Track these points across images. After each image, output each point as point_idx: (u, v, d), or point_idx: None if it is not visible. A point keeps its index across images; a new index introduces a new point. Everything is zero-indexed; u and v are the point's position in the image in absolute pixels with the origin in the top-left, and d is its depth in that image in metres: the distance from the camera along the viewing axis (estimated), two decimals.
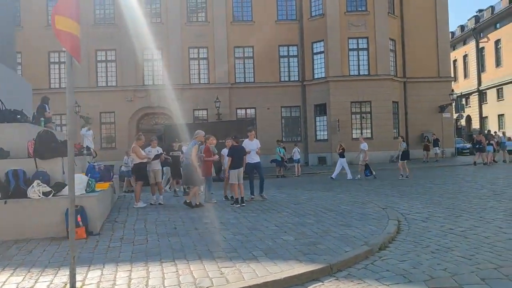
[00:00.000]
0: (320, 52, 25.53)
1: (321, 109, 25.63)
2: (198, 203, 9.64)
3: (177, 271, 4.88)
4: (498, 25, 41.00)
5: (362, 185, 14.29)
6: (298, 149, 20.27)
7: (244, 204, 9.70)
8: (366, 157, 16.30)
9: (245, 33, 26.00)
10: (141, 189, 10.05)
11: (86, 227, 6.67)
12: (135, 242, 6.33)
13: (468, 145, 31.24)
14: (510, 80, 38.63)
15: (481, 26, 43.74)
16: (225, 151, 10.67)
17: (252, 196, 10.67)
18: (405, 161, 16.06)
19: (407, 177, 15.60)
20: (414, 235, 6.63)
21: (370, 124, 24.91)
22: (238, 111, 26.28)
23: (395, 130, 25.71)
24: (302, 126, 26.39)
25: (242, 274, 4.70)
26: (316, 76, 25.77)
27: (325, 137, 25.14)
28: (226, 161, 10.36)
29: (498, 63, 41.58)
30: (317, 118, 25.87)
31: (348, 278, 4.78)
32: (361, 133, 24.62)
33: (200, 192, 10.10)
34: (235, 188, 9.96)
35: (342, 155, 16.58)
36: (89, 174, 8.37)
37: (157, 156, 10.35)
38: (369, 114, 24.95)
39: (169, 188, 13.16)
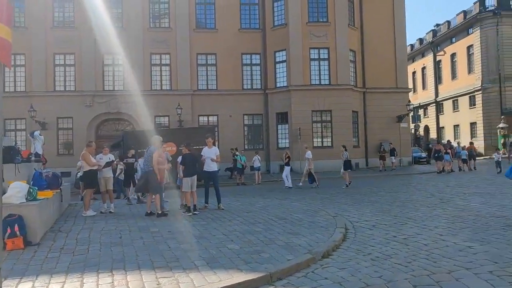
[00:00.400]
0: (282, 61, 25.83)
1: (283, 117, 25.88)
2: (150, 212, 9.47)
3: (112, 282, 4.76)
4: (454, 40, 42.95)
5: (319, 193, 14.48)
6: (259, 157, 20.36)
7: (196, 212, 9.62)
8: (310, 165, 16.51)
9: (208, 40, 25.96)
10: (91, 197, 9.78)
11: (24, 236, 6.41)
12: (76, 252, 6.14)
13: (424, 154, 32.37)
14: (464, 92, 40.47)
15: (438, 40, 45.69)
16: (180, 159, 10.54)
17: (206, 205, 10.59)
18: (348, 170, 16.15)
19: (346, 186, 15.76)
20: (359, 243, 6.77)
21: (330, 133, 25.34)
22: (200, 118, 26.11)
23: (354, 139, 26.29)
24: (264, 134, 26.52)
25: (179, 285, 4.64)
26: (278, 85, 26.02)
27: (287, 145, 25.33)
28: (181, 169, 10.25)
29: (453, 75, 43.49)
30: (279, 126, 26.09)
31: (287, 286, 4.81)
32: (320, 141, 25.09)
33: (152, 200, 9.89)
34: (188, 196, 9.86)
35: (287, 164, 16.84)
36: (32, 182, 8.07)
37: (108, 164, 10.12)
38: (330, 123, 25.39)
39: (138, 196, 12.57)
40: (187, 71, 25.68)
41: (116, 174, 12.50)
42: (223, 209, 10.23)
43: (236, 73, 26.41)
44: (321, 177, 21.31)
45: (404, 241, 6.71)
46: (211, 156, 10.49)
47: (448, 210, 9.50)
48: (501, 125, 33.32)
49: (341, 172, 16.48)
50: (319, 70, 25.59)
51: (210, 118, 26.25)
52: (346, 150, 16.45)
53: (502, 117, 34.57)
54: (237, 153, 20.79)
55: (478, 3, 38.67)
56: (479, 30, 38.09)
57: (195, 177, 10.05)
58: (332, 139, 25.28)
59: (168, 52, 25.73)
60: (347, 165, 16.16)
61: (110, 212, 9.92)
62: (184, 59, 25.69)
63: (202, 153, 10.61)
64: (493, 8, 37.45)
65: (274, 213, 9.47)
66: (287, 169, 16.84)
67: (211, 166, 10.52)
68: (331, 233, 7.19)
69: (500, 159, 19.49)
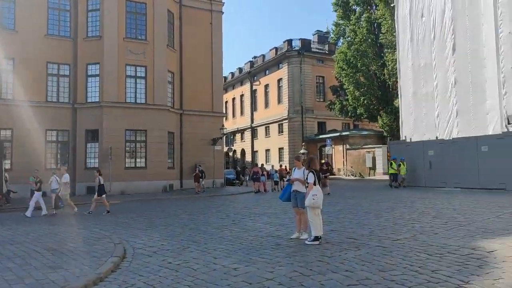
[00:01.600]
0: (95, 75, 24.09)
1: (94, 135, 23.98)
2: None
3: None
4: (267, 72, 47.49)
5: (118, 217, 13.51)
6: (57, 178, 18.08)
7: None
8: (67, 190, 15.49)
9: (5, 43, 22.48)
10: None
11: None
12: None
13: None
14: (274, 120, 44.88)
15: (255, 71, 49.91)
16: None
17: None
18: (103, 195, 15.21)
19: (108, 211, 14.88)
20: (129, 272, 6.25)
21: (145, 153, 24.56)
22: None
23: (170, 160, 26.08)
24: (71, 152, 24.10)
25: None
26: (89, 100, 24.11)
27: (96, 165, 23.49)
28: None
29: (266, 104, 47.92)
30: (89, 145, 24.05)
31: None
32: (133, 161, 24.11)
33: None
34: None
35: (39, 189, 15.38)
36: None
37: None
38: (144, 143, 24.62)
39: None
40: None
41: None
42: None
43: (40, 83, 23.49)
44: (133, 199, 20.40)
45: (176, 267, 6.47)
46: None
47: (235, 231, 9.79)
48: (302, 150, 37.78)
49: (94, 197, 15.46)
50: (136, 88, 24.77)
51: (3, 132, 22.51)
52: (100, 175, 15.62)
53: (303, 143, 39.35)
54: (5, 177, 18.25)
55: (286, 42, 43.78)
56: (287, 66, 43.03)
57: None
58: (146, 159, 24.55)
59: None
60: (102, 190, 15.35)
61: None
62: None
63: None
64: (298, 48, 42.86)
65: (46, 244, 8.26)
66: (37, 195, 15.17)
67: None
68: (101, 264, 6.51)
69: None
